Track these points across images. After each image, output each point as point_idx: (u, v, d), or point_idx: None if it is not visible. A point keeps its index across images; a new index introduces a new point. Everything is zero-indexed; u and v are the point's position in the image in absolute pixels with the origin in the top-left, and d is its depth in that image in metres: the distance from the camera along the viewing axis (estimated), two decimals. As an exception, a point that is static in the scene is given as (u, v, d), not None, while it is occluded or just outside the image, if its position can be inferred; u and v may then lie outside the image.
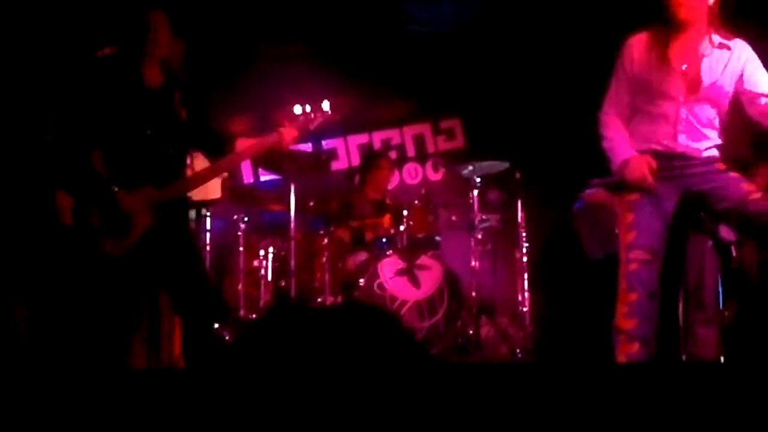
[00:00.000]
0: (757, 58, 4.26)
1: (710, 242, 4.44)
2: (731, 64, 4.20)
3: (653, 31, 4.27)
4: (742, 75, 4.20)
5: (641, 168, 4.14)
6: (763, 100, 4.16)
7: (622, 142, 4.27)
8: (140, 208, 4.11)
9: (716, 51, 4.20)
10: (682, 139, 4.18)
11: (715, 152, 4.25)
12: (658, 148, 4.21)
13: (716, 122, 4.25)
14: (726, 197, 4.15)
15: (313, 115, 4.59)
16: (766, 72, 4.23)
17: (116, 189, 4.12)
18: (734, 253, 4.72)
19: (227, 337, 6.07)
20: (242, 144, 4.45)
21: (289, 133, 4.46)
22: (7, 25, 6.52)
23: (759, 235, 4.33)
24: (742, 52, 4.22)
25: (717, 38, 4.20)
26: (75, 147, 4.17)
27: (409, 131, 8.78)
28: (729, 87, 4.22)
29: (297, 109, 4.57)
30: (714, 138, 4.24)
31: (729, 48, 4.21)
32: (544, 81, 8.07)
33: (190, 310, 4.24)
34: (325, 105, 4.62)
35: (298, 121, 4.56)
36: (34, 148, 5.45)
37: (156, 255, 4.17)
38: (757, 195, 4.09)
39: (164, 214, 4.17)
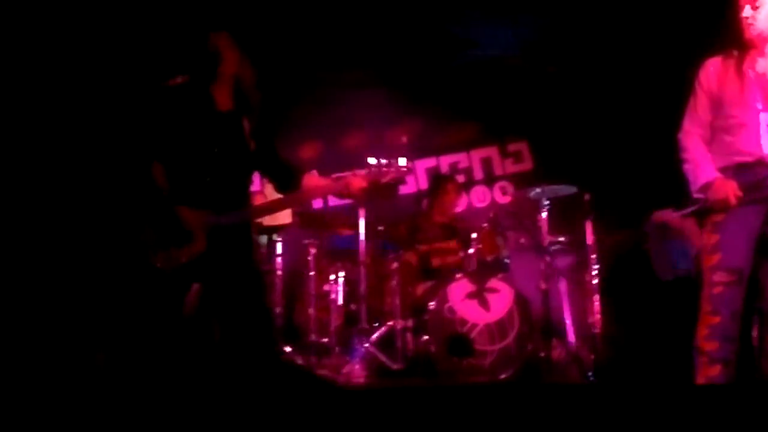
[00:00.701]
0: None
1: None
2: None
3: (727, 51, 4.31)
4: None
5: (725, 189, 4.13)
6: None
7: (703, 164, 4.26)
8: (197, 229, 4.09)
9: None
10: (765, 144, 4.15)
11: None
12: (743, 159, 4.19)
13: None
14: None
15: (386, 169, 4.48)
16: None
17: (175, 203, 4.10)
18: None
19: (299, 361, 6.14)
20: (310, 182, 4.43)
21: (358, 182, 4.39)
22: (80, 57, 6.71)
23: None
24: None
25: None
26: (138, 163, 4.16)
27: (477, 154, 8.81)
28: None
29: (372, 161, 4.49)
30: None
31: None
32: (611, 102, 8.05)
33: (248, 338, 4.14)
34: (402, 161, 4.52)
35: (371, 173, 4.48)
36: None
37: (212, 281, 4.15)
38: None
39: (223, 241, 4.13)
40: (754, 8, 4.21)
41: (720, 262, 4.13)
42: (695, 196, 4.25)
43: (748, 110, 4.19)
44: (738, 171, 4.17)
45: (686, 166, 4.33)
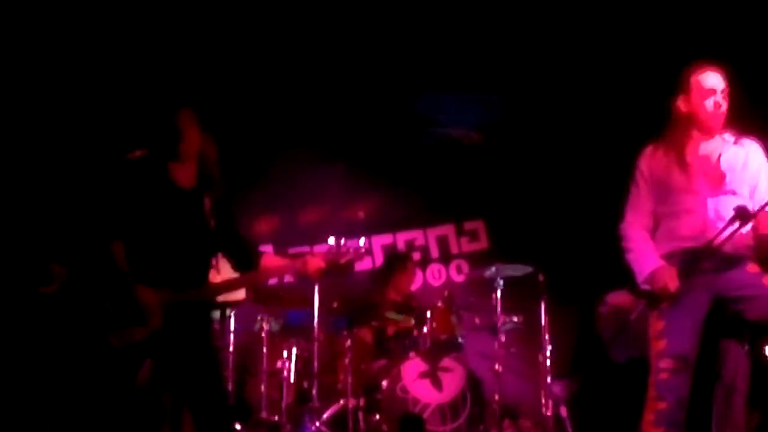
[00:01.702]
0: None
1: (745, 348, 4.40)
2: (749, 162, 4.31)
3: (668, 137, 4.39)
4: (756, 186, 4.28)
5: (665, 279, 4.15)
6: None
7: (646, 253, 4.30)
8: (154, 308, 4.06)
9: (732, 148, 4.33)
10: (710, 229, 4.18)
11: (745, 252, 4.26)
12: (687, 244, 4.23)
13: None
14: (755, 308, 4.14)
15: (345, 250, 4.52)
16: None
17: (133, 281, 4.07)
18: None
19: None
20: (267, 261, 4.47)
21: (315, 263, 4.41)
22: (38, 123, 6.70)
23: None
24: (756, 154, 4.34)
25: (730, 136, 4.34)
26: (97, 238, 4.12)
27: (433, 232, 8.83)
28: (749, 181, 4.30)
29: (331, 241, 4.53)
30: (743, 235, 4.21)
31: (743, 146, 4.33)
32: (567, 184, 8.15)
33: (203, 413, 4.15)
34: (361, 242, 4.58)
35: (330, 254, 4.52)
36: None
37: (171, 354, 4.11)
38: None
39: (180, 318, 4.11)
40: (725, 97, 4.31)
41: (665, 349, 4.16)
42: (642, 287, 4.28)
43: (694, 196, 4.25)
44: (684, 256, 4.21)
45: (629, 256, 4.37)
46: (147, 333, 4.04)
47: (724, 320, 4.28)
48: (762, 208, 4.08)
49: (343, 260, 4.54)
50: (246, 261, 4.46)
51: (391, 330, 6.94)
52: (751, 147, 4.36)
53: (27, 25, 6.35)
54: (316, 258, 4.46)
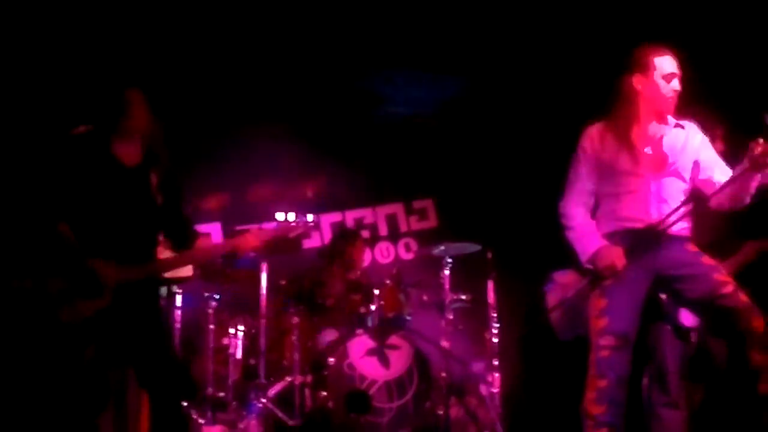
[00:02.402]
0: (709, 142, 4.41)
1: (670, 327, 4.47)
2: (689, 142, 4.35)
3: (611, 118, 4.42)
4: (698, 161, 4.32)
5: (611, 257, 4.19)
6: (716, 183, 4.24)
7: (588, 233, 4.33)
8: (109, 281, 4.05)
9: (673, 130, 4.37)
10: (653, 211, 4.23)
11: (686, 232, 4.32)
12: (629, 225, 4.27)
13: (684, 197, 4.31)
14: (695, 288, 4.17)
15: (294, 224, 4.58)
16: (717, 157, 4.36)
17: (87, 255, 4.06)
18: (694, 339, 4.75)
19: (195, 416, 6.02)
20: (203, 242, 4.54)
21: (250, 242, 4.45)
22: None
23: (724, 331, 4.32)
24: (696, 134, 4.38)
25: (671, 119, 4.37)
26: (42, 215, 4.10)
27: (382, 210, 8.86)
28: (689, 163, 4.34)
29: (280, 216, 4.56)
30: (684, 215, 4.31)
31: (683, 128, 4.37)
32: (516, 162, 8.19)
33: (158, 387, 4.17)
34: (309, 217, 4.62)
35: (279, 229, 4.55)
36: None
37: (119, 331, 4.11)
38: (727, 289, 4.11)
39: (129, 292, 4.11)
40: (679, 79, 4.33)
41: (606, 327, 4.19)
42: (585, 266, 4.31)
43: (637, 178, 4.28)
44: (625, 236, 4.25)
45: (570, 234, 4.40)
46: (96, 308, 4.04)
47: (653, 299, 4.34)
48: (728, 183, 4.12)
49: (292, 235, 4.56)
50: (184, 239, 4.48)
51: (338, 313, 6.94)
52: (690, 129, 4.41)
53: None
54: (251, 236, 4.47)
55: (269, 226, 4.61)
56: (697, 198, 4.30)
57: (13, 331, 4.87)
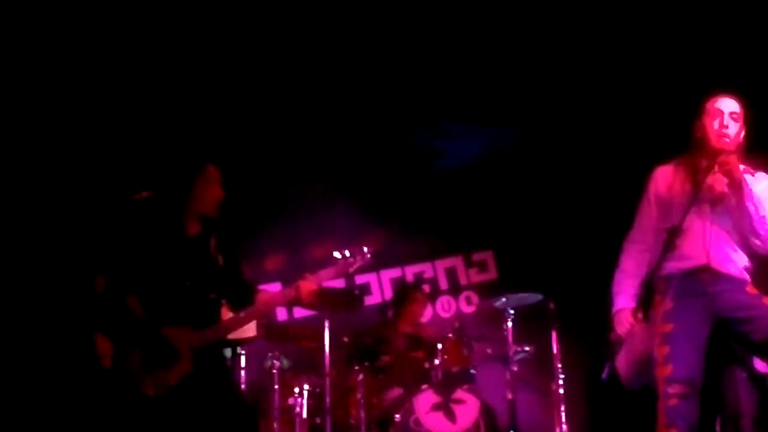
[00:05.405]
0: None
1: (745, 373, 4.40)
2: (756, 188, 4.29)
3: (680, 159, 4.44)
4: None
5: (623, 324, 4.31)
6: None
7: (627, 285, 4.41)
8: (185, 348, 4.08)
9: (752, 179, 4.34)
10: (711, 251, 4.21)
11: (745, 274, 4.28)
12: (687, 264, 4.24)
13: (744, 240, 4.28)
14: (758, 329, 4.13)
15: (352, 259, 4.58)
16: None
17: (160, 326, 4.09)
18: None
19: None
20: (263, 296, 4.49)
21: (308, 286, 4.44)
22: (51, 164, 6.70)
23: None
24: (763, 181, 4.33)
25: (741, 166, 4.32)
26: (114, 290, 4.13)
27: (441, 264, 8.83)
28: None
29: (337, 254, 4.57)
30: (743, 256, 4.29)
31: (752, 174, 4.33)
32: (575, 211, 8.15)
33: None
34: (365, 248, 4.63)
35: (338, 266, 4.56)
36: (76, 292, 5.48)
37: (197, 399, 4.12)
38: None
39: (206, 356, 4.15)
40: (735, 120, 4.34)
41: (672, 374, 4.14)
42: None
43: (696, 216, 4.26)
44: (683, 279, 4.23)
45: (617, 275, 4.49)
46: (180, 374, 4.07)
47: (724, 344, 4.28)
48: None
49: (352, 269, 4.57)
50: (243, 298, 4.47)
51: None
52: (761, 177, 4.40)
53: (38, 50, 6.34)
54: (307, 281, 4.46)
55: (327, 270, 4.62)
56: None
57: (104, 412, 4.93)
